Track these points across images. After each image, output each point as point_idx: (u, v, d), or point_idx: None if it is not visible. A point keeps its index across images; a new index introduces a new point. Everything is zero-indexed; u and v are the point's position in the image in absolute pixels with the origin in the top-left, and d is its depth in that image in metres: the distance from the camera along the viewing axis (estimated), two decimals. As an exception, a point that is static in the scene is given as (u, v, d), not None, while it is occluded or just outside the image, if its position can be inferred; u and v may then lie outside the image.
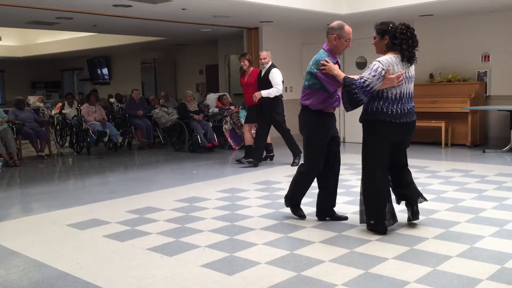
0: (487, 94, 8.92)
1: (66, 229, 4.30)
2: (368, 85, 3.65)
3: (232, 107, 9.77)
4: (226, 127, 9.28)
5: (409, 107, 3.83)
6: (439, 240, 3.70)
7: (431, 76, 9.41)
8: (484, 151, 8.08)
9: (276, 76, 7.12)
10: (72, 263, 3.45)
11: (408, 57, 3.75)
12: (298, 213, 4.39)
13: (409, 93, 3.84)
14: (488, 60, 8.93)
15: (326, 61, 3.92)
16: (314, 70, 4.02)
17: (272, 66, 7.27)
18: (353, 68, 9.85)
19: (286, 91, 10.31)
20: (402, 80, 3.72)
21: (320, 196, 4.32)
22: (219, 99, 10.05)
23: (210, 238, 3.92)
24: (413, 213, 4.04)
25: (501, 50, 8.76)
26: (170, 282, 3.07)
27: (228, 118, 9.32)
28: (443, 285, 2.89)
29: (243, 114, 9.51)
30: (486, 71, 8.93)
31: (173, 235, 4.00)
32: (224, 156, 8.69)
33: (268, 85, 7.14)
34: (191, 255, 3.54)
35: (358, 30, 9.89)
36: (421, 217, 4.27)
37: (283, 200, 5.04)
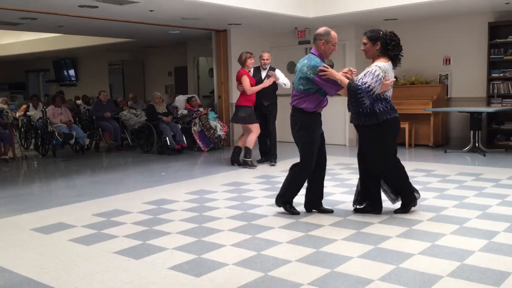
0: (448, 96, 9.20)
1: (30, 234, 4.22)
2: (371, 90, 4.02)
3: (201, 109, 9.76)
4: (195, 129, 9.26)
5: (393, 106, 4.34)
6: (403, 238, 3.81)
7: (396, 78, 9.62)
8: (446, 151, 8.33)
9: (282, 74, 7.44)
10: (36, 268, 3.40)
11: (396, 63, 4.21)
12: (292, 211, 4.55)
13: (391, 94, 4.34)
14: (449, 64, 9.22)
15: (326, 67, 4.16)
16: (311, 75, 4.20)
17: (271, 67, 7.45)
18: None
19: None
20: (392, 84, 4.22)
21: (309, 189, 4.55)
22: (188, 101, 10.03)
23: (178, 240, 3.92)
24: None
25: (461, 53, 9.06)
26: (137, 285, 3.06)
27: (197, 120, 9.31)
28: (405, 282, 2.98)
29: (212, 116, 9.52)
30: (447, 74, 9.22)
31: (140, 238, 3.99)
32: (193, 158, 8.67)
33: (270, 86, 7.31)
34: (158, 257, 3.53)
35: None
36: (385, 216, 4.39)
37: (252, 201, 5.12)
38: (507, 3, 7.73)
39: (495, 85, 8.55)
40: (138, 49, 14.48)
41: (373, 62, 4.22)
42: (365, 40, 4.20)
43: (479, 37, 8.75)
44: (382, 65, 4.07)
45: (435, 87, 9.09)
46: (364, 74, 4.07)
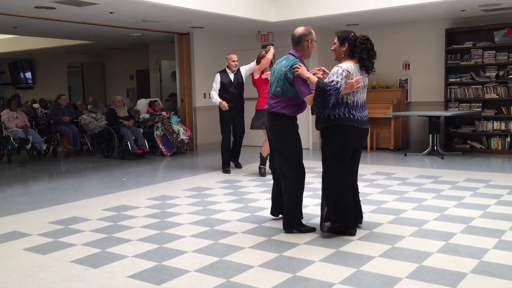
0: (408, 101, 9.42)
1: (-18, 244, 4.04)
2: (340, 87, 3.76)
3: (164, 113, 9.63)
4: (157, 133, 9.13)
5: (364, 115, 4.02)
6: (363, 241, 3.85)
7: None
8: (406, 155, 8.51)
9: None
10: (-13, 279, 3.25)
11: (366, 67, 3.95)
12: (306, 229, 4.14)
13: (363, 101, 4.03)
14: (409, 69, 9.45)
15: (299, 65, 3.97)
16: (289, 74, 3.99)
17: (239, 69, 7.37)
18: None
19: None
20: (360, 86, 3.89)
21: (276, 194, 4.38)
22: (150, 104, 9.88)
23: (138, 247, 3.83)
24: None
25: (420, 59, 9.30)
26: (95, 295, 2.97)
27: (159, 124, 9.18)
28: (366, 285, 3.01)
29: (174, 120, 9.42)
30: (407, 79, 9.44)
31: (99, 246, 3.88)
32: (155, 163, 8.54)
33: (242, 87, 7.27)
34: (117, 266, 3.44)
35: (287, 38, 10.15)
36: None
37: (215, 206, 5.08)
38: (463, 10, 7.99)
39: (452, 90, 8.81)
40: (98, 52, 14.18)
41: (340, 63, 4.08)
42: (334, 40, 4.06)
43: (437, 43, 9.01)
44: (344, 65, 3.90)
45: (395, 92, 9.28)
46: (328, 77, 3.92)
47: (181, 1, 7.00)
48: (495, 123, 8.53)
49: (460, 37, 8.79)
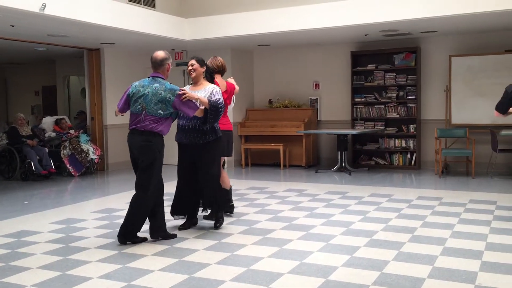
0: (318, 119, 9.81)
1: None
2: (223, 105, 4.59)
3: (72, 131, 9.20)
4: (64, 152, 8.69)
5: None
6: (274, 258, 3.91)
7: (270, 101, 10.05)
8: (316, 171, 8.82)
9: None
10: None
11: None
12: (138, 239, 4.42)
13: None
14: (318, 88, 9.86)
15: (184, 90, 4.38)
16: (172, 98, 4.26)
17: None
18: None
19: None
20: None
21: (154, 215, 4.47)
22: (57, 122, 9.39)
23: (39, 276, 3.59)
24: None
25: (329, 79, 9.75)
26: (-14, 331, 2.73)
27: (67, 143, 8.75)
28: (274, 302, 3.04)
29: (83, 138, 9.03)
30: (317, 98, 9.84)
31: (-6, 276, 3.58)
32: (62, 184, 8.10)
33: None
34: (14, 297, 3.20)
35: (202, 55, 10.16)
36: (258, 237, 4.48)
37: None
38: (366, 35, 8.52)
39: (358, 109, 9.31)
40: (0, 66, 13.29)
41: (200, 83, 4.71)
42: (193, 61, 4.71)
43: (343, 65, 9.50)
44: (216, 86, 4.72)
45: (306, 110, 9.63)
46: (213, 95, 4.50)
47: (90, 17, 6.79)
48: (396, 141, 9.12)
49: (364, 59, 9.35)
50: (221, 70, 5.23)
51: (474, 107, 8.38)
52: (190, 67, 4.70)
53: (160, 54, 4.40)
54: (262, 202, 6.18)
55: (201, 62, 4.71)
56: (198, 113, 4.42)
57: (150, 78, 4.38)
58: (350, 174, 8.42)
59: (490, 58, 8.25)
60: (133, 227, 4.35)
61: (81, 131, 9.30)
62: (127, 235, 4.34)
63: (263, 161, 9.83)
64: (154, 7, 8.12)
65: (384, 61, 9.17)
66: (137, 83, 4.41)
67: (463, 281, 3.31)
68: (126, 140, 4.39)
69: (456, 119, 8.52)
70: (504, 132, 7.53)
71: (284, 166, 9.46)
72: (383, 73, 9.13)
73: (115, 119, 9.65)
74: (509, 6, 6.45)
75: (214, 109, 4.42)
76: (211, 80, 4.80)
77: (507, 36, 8.32)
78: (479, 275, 3.42)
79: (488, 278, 3.36)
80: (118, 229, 4.41)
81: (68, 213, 5.75)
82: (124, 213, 5.62)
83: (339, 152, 8.83)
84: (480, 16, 6.93)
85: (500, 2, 6.50)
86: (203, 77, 4.72)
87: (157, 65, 4.40)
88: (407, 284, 3.29)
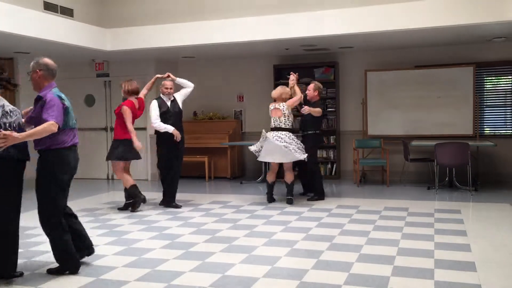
0: (243, 131, 9.92)
1: None
2: None
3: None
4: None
5: None
6: (195, 272, 3.89)
7: (195, 113, 10.03)
8: (241, 183, 8.90)
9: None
10: None
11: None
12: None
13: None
14: (243, 100, 9.99)
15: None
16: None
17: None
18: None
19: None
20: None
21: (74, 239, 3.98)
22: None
23: None
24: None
25: (252, 91, 9.90)
26: None
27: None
28: (195, 317, 3.02)
29: None
30: (241, 110, 9.95)
31: None
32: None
33: (180, 115, 6.70)
34: None
35: (124, 67, 9.97)
36: (180, 251, 4.44)
37: (39, 247, 4.66)
38: (287, 49, 8.77)
39: (281, 121, 9.52)
40: None
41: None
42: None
43: (266, 77, 9.69)
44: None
45: (231, 122, 9.70)
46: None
47: (0, 24, 6.43)
48: (318, 152, 9.41)
49: (286, 72, 9.57)
50: (135, 93, 6.32)
51: (388, 119, 8.87)
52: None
53: (54, 63, 3.99)
54: (186, 215, 6.13)
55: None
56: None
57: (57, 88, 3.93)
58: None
59: (401, 73, 8.80)
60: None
61: None
62: None
63: (189, 173, 9.75)
64: (72, 16, 7.83)
65: (305, 75, 9.45)
66: (62, 94, 3.92)
67: (376, 286, 3.49)
68: (69, 160, 3.83)
69: (372, 130, 8.97)
70: (415, 143, 8.04)
71: (210, 178, 9.45)
72: (305, 86, 9.41)
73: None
74: (419, 25, 6.92)
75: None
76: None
77: (417, 52, 8.92)
78: (391, 280, 3.61)
79: (399, 282, 3.57)
80: None
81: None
82: (36, 231, 5.36)
83: (263, 163, 8.96)
84: (393, 34, 7.38)
85: (410, 21, 6.96)
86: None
87: (54, 74, 3.98)
88: (324, 291, 3.41)
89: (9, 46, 7.82)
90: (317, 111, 6.85)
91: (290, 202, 6.72)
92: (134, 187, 6.33)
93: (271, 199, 6.88)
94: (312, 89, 7.12)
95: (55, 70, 3.99)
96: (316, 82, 7.28)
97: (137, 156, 6.43)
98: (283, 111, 6.68)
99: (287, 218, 5.83)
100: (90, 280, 3.73)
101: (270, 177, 6.90)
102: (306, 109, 6.77)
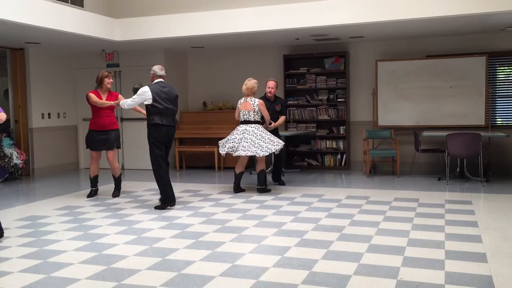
0: (252, 121, 9.88)
1: None
2: None
3: (-6, 135, 8.70)
4: (-15, 157, 8.20)
5: None
6: (205, 261, 3.91)
7: (204, 104, 10.02)
8: (251, 173, 8.90)
9: None
10: None
11: None
12: None
13: None
14: (252, 91, 9.94)
15: None
16: None
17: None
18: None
19: (58, 117, 9.69)
20: None
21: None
22: (-23, 125, 8.85)
23: (-47, 290, 3.37)
24: None
25: (262, 82, 9.78)
26: None
27: (-13, 148, 8.26)
28: (205, 306, 3.04)
29: (6, 142, 8.57)
30: (251, 101, 9.90)
31: None
32: (-17, 190, 7.64)
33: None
34: None
35: (133, 57, 9.99)
36: (190, 241, 4.46)
37: (50, 236, 4.71)
38: (297, 39, 8.71)
39: (291, 112, 9.50)
40: None
41: None
42: None
43: (276, 68, 9.65)
44: None
45: (240, 113, 9.66)
46: None
47: (12, 15, 6.45)
48: (327, 142, 9.40)
49: (296, 63, 9.55)
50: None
51: (399, 110, 8.81)
52: None
53: None
54: (196, 205, 6.16)
55: None
56: None
57: None
58: (283, 175, 8.56)
59: (412, 63, 8.71)
60: None
61: (4, 134, 8.81)
62: None
63: (198, 163, 9.78)
64: (82, 6, 7.85)
65: (315, 65, 9.42)
66: None
67: (386, 277, 3.48)
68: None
69: (382, 121, 8.91)
70: (426, 133, 7.98)
71: (219, 168, 9.46)
72: (315, 76, 9.38)
73: (42, 122, 9.25)
74: (430, 14, 6.84)
75: None
76: None
77: (428, 42, 8.82)
78: (401, 270, 3.60)
79: (409, 273, 3.56)
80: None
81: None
82: (50, 220, 5.42)
83: (273, 154, 8.94)
84: (403, 23, 7.29)
85: (422, 11, 6.88)
86: None
87: None
88: (334, 281, 3.41)
89: (20, 37, 7.86)
90: (281, 123, 7.43)
91: (261, 191, 6.90)
92: (95, 178, 6.80)
93: (238, 189, 7.00)
94: (275, 87, 7.54)
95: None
96: (274, 79, 7.69)
97: (108, 147, 6.61)
98: (254, 106, 6.83)
99: (297, 208, 5.83)
100: (102, 269, 3.76)
101: (239, 168, 7.02)
102: (272, 127, 7.10)
